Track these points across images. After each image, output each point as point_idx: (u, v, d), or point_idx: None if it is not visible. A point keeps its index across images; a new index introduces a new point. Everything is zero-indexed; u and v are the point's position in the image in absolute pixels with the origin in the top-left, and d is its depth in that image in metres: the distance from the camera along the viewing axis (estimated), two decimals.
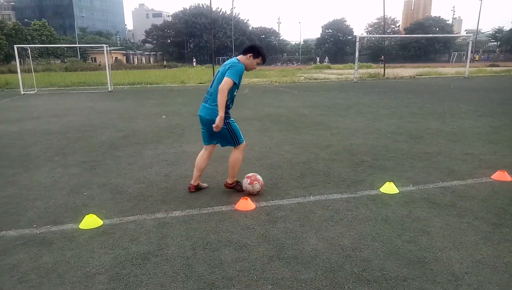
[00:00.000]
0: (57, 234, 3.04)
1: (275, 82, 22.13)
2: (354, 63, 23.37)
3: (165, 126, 7.97)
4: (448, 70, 31.56)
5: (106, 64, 18.63)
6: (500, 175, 4.13)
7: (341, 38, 73.48)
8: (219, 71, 3.61)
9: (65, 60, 51.66)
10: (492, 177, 4.17)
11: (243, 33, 69.85)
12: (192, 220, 3.26)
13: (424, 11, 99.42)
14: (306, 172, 4.56)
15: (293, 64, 63.67)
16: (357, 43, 22.46)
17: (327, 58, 62.28)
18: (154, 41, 73.78)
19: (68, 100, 14.31)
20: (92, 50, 58.49)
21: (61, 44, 51.59)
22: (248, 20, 79.37)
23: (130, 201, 3.73)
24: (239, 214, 3.38)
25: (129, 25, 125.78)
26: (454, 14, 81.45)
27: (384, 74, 25.28)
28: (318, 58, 64.59)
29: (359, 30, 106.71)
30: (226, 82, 3.39)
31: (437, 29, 68.23)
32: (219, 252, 2.71)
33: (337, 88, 17.38)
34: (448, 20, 74.53)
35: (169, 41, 72.39)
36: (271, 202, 3.65)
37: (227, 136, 3.69)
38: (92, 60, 57.67)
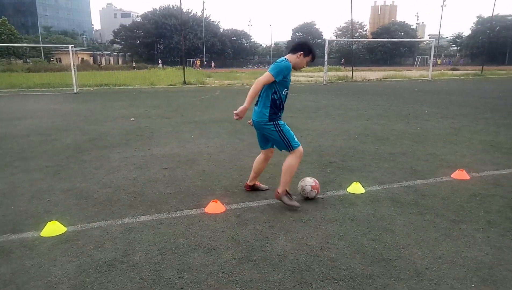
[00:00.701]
0: (16, 243, 2.91)
1: (247, 84, 22.18)
2: (323, 66, 23.79)
3: (133, 128, 7.80)
4: (413, 73, 32.77)
5: (72, 64, 18.00)
6: (459, 174, 4.33)
7: (311, 41, 74.71)
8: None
9: (28, 61, 49.48)
10: (452, 176, 4.37)
11: (214, 35, 69.61)
12: (160, 224, 3.21)
13: (390, 16, 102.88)
14: (276, 174, 4.59)
15: (264, 66, 64.07)
16: (326, 46, 22.91)
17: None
18: (123, 42, 72.12)
19: (30, 102, 13.71)
20: (56, 50, 56.41)
21: (23, 43, 49.33)
22: (219, 22, 79.74)
23: (96, 206, 3.62)
24: (208, 217, 3.36)
25: (96, 25, 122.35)
26: (418, 20, 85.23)
27: (352, 77, 25.92)
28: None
29: (328, 33, 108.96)
30: (265, 75, 3.29)
31: (402, 33, 70.73)
32: (187, 256, 2.68)
33: (307, 90, 17.65)
34: (412, 25, 77.56)
35: (138, 42, 71.00)
36: (241, 204, 3.65)
37: (278, 140, 3.47)
38: (57, 61, 55.55)
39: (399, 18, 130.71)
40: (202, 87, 20.70)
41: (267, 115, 3.43)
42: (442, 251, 2.71)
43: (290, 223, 3.21)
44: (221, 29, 73.92)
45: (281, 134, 3.44)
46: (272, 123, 3.42)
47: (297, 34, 76.05)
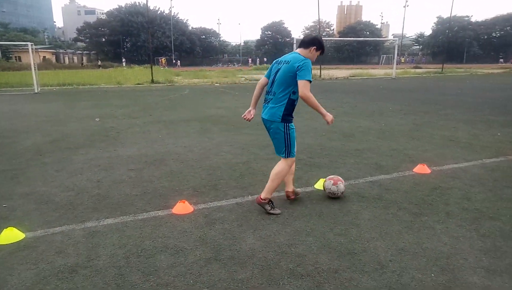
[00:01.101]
0: None
1: (216, 82, 22.05)
2: None
3: (98, 129, 7.56)
4: (378, 71, 33.75)
5: (32, 63, 17.19)
6: (420, 168, 4.51)
7: (280, 39, 75.27)
8: (278, 68, 3.27)
9: None
10: (414, 170, 4.54)
11: (182, 33, 68.60)
12: (126, 227, 3.12)
13: (356, 15, 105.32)
14: (245, 172, 4.60)
15: (234, 65, 63.96)
16: (295, 45, 23.15)
17: (257, 60, 63.71)
18: (87, 40, 69.62)
19: None
20: (15, 48, 53.64)
21: None
22: (187, 20, 78.16)
23: (57, 210, 3.47)
24: (176, 218, 3.31)
25: (59, 22, 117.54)
26: (382, 19, 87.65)
27: (320, 75, 26.34)
28: (249, 60, 65.34)
29: (297, 32, 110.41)
30: (305, 86, 3.07)
31: (368, 33, 72.66)
32: (154, 258, 2.63)
33: None
34: (377, 25, 79.78)
35: (103, 39, 68.77)
36: (210, 204, 3.63)
37: (281, 142, 3.32)
38: (16, 60, 52.84)
39: (365, 17, 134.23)
40: (171, 86, 20.37)
41: (281, 115, 3.24)
42: (404, 243, 2.81)
43: (258, 221, 3.22)
44: (190, 28, 72.95)
45: (287, 137, 3.30)
46: (283, 124, 3.27)
47: (266, 32, 76.28)
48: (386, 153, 5.39)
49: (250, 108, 3.61)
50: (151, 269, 2.49)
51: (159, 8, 70.33)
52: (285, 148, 3.33)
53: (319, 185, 4.02)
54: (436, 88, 17.10)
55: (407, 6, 48.62)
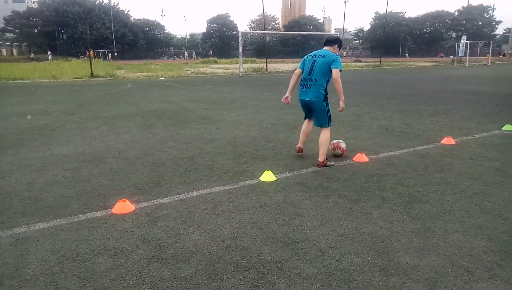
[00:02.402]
0: None
1: (161, 76, 21.41)
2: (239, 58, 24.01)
3: (30, 127, 7.00)
4: None
5: None
6: (359, 157, 4.73)
7: (226, 33, 74.80)
8: (313, 60, 4.49)
9: None
10: (353, 159, 4.75)
11: (124, 24, 65.54)
12: (60, 231, 2.93)
13: (300, 10, 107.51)
14: (190, 168, 4.52)
15: (180, 58, 62.51)
16: (240, 38, 23.14)
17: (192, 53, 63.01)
18: (17, 30, 63.99)
19: None
20: None
21: None
22: (129, 11, 74.83)
23: None
24: (116, 218, 3.16)
25: None
26: (324, 14, 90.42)
27: (267, 69, 26.63)
28: (186, 53, 63.90)
29: (243, 25, 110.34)
30: (337, 73, 4.29)
31: (311, 27, 74.51)
32: (91, 262, 2.49)
33: (223, 82, 17.67)
34: (320, 19, 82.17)
35: (36, 30, 63.62)
36: (152, 201, 3.51)
37: (324, 116, 4.50)
38: None
39: (308, 12, 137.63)
40: (113, 80, 19.43)
41: (323, 96, 4.44)
42: (344, 230, 2.93)
43: (203, 217, 3.18)
44: (132, 19, 69.88)
45: (328, 112, 4.52)
46: (325, 103, 4.45)
47: (211, 25, 75.34)
48: None
49: (287, 94, 4.85)
50: (87, 274, 2.35)
51: None
52: (327, 120, 4.53)
53: (264, 177, 4.06)
54: (374, 81, 18.02)
55: (347, 1, 50.51)
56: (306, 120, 4.85)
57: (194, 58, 56.60)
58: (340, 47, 4.61)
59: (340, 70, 4.29)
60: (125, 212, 3.25)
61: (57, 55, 49.61)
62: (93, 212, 3.27)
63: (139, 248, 2.67)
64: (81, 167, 4.56)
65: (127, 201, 3.36)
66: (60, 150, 5.36)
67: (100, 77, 20.52)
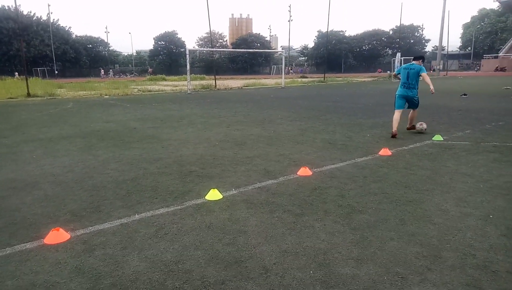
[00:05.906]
0: None
1: (106, 95, 20.61)
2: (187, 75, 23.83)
3: None
4: (269, 81, 35.63)
5: None
6: (303, 171, 4.85)
7: (174, 50, 74.17)
8: (408, 70, 7.23)
9: None
10: (297, 173, 4.86)
11: (65, 41, 62.58)
12: None
13: (247, 28, 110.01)
14: (133, 190, 4.35)
15: (126, 75, 60.72)
16: (187, 56, 23.07)
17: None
18: None
19: None
20: None
21: None
22: (70, 27, 71.15)
23: None
24: (48, 249, 2.94)
25: None
26: (270, 32, 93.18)
27: (215, 86, 26.69)
28: (102, 71, 59.39)
29: (191, 43, 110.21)
30: (425, 74, 7.07)
31: (259, 44, 76.24)
32: None
33: (171, 99, 17.41)
34: (266, 37, 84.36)
35: None
36: (90, 228, 3.32)
37: (417, 104, 7.48)
38: None
39: (255, 30, 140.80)
40: (52, 99, 18.36)
41: (417, 91, 7.35)
42: (287, 245, 2.96)
43: (144, 241, 3.06)
44: (74, 36, 66.99)
45: (419, 100, 7.49)
46: (418, 96, 7.41)
47: (159, 42, 74.37)
48: (274, 159, 5.67)
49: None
50: None
51: (34, 13, 62.48)
52: (417, 104, 7.51)
53: (210, 195, 4.02)
54: (319, 96, 18.75)
55: (292, 20, 52.58)
56: (400, 111, 7.28)
57: (111, 77, 53.25)
58: (423, 61, 7.38)
59: (426, 73, 7.08)
60: (58, 242, 3.04)
61: None
62: (22, 244, 3.02)
63: (72, 280, 2.50)
64: (11, 195, 4.22)
65: (61, 229, 3.15)
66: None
67: (38, 96, 19.31)
